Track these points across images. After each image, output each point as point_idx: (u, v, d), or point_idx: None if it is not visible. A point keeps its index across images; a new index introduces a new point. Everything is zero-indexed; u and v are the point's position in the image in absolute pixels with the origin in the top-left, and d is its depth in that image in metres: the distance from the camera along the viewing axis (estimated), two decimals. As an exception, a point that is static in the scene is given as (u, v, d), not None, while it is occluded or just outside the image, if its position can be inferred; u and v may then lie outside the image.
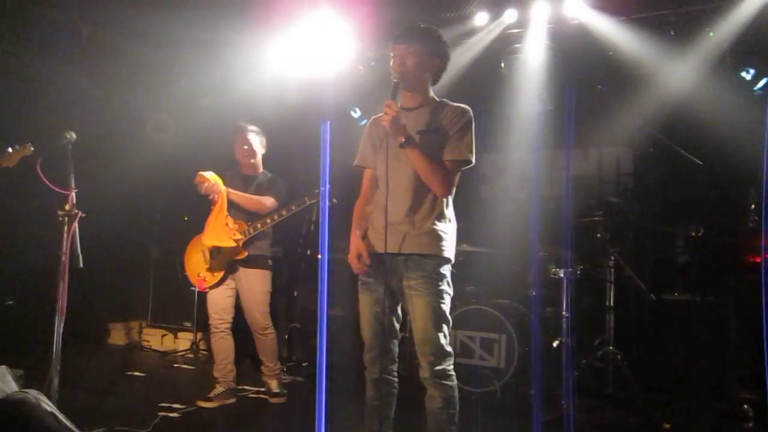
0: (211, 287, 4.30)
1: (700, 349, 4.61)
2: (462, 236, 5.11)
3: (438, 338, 2.78)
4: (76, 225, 3.10)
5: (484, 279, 5.00)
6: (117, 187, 5.42)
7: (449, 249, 2.89)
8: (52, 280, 3.05)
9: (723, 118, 4.55)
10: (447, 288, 2.86)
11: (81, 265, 3.08)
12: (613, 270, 4.76)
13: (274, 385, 4.47)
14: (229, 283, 4.34)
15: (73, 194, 3.19)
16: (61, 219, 3.10)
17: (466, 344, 4.59)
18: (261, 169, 4.53)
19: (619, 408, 4.42)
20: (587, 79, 5.14)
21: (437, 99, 2.99)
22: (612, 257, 4.72)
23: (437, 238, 2.84)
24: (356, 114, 5.92)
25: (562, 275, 4.59)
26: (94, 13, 5.08)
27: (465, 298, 4.85)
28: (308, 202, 4.04)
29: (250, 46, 5.48)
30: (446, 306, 2.84)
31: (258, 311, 4.33)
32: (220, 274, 4.26)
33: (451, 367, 2.84)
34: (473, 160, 2.87)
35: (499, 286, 4.90)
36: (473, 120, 2.90)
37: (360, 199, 3.13)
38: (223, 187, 4.25)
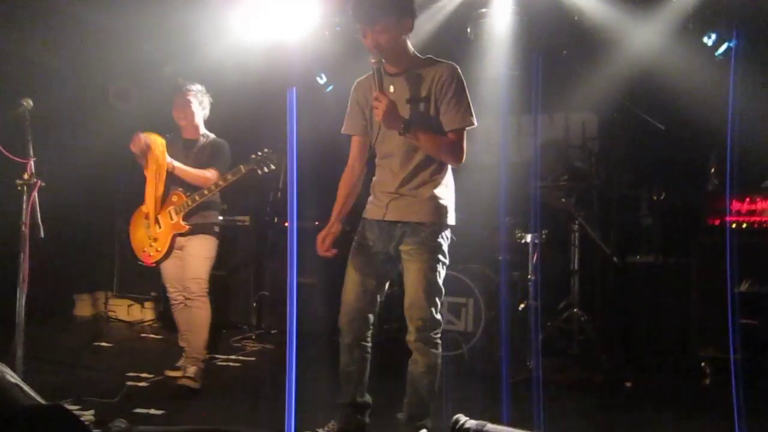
0: (158, 262, 4.08)
1: (662, 310, 4.75)
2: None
3: (426, 306, 2.75)
4: (35, 194, 3.04)
5: (452, 244, 5.02)
6: (80, 157, 5.30)
7: (448, 215, 2.83)
8: (13, 250, 3.00)
9: (686, 82, 4.62)
10: (442, 257, 2.81)
11: (42, 234, 3.03)
12: (577, 234, 4.83)
13: (191, 371, 3.91)
14: (177, 253, 4.08)
15: (32, 163, 3.12)
16: (20, 188, 3.03)
17: (434, 309, 4.64)
18: (201, 131, 4.22)
19: (584, 367, 4.52)
20: (553, 44, 5.15)
21: (420, 56, 2.83)
22: (577, 221, 4.79)
23: (435, 206, 2.79)
24: (322, 80, 5.86)
25: (528, 240, 4.67)
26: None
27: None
28: (243, 170, 3.80)
29: (214, 11, 5.36)
30: (439, 276, 2.80)
31: (190, 275, 4.01)
32: (164, 249, 4.01)
33: (439, 336, 2.82)
34: (476, 122, 2.77)
35: (467, 252, 4.92)
36: (462, 77, 2.77)
37: (347, 171, 3.02)
38: (162, 156, 3.95)
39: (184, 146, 4.17)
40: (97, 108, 6.00)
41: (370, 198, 2.95)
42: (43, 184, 3.08)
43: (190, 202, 3.93)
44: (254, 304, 5.85)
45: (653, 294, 4.83)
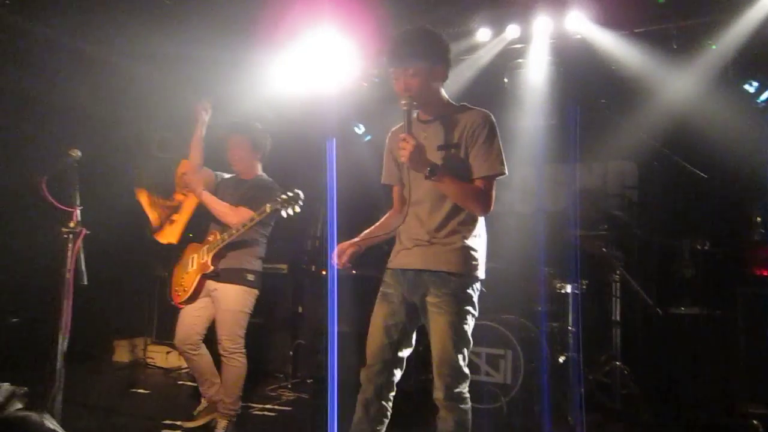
0: (183, 302, 3.93)
1: (707, 364, 4.58)
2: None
3: (456, 359, 2.63)
4: (80, 242, 3.10)
5: (489, 294, 4.95)
6: (122, 205, 5.43)
7: (479, 267, 2.73)
8: (56, 298, 3.05)
9: (727, 130, 4.56)
10: (472, 309, 2.70)
11: (85, 282, 3.08)
12: (618, 284, 4.74)
13: (222, 425, 3.85)
14: (204, 300, 3.95)
15: (78, 212, 3.19)
16: (65, 236, 3.09)
17: (471, 360, 4.54)
18: (257, 173, 4.12)
19: (626, 424, 4.38)
20: (590, 93, 5.15)
21: (454, 104, 2.82)
22: (617, 271, 4.70)
23: (467, 256, 2.69)
24: (360, 130, 5.94)
25: (568, 290, 4.59)
26: (97, 32, 5.11)
27: (470, 313, 4.82)
28: (268, 210, 3.67)
29: (254, 64, 5.51)
30: (469, 327, 2.68)
31: (224, 331, 3.85)
32: (190, 289, 3.89)
33: (467, 389, 2.69)
34: (506, 171, 2.69)
35: (505, 302, 4.87)
36: (495, 124, 2.72)
37: (390, 213, 3.01)
38: (197, 187, 3.91)
39: (235, 184, 4.09)
40: (140, 157, 6.16)
41: (396, 246, 2.86)
42: (88, 232, 3.14)
43: (220, 242, 3.82)
44: (291, 353, 5.83)
45: (698, 347, 4.67)
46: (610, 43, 4.90)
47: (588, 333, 4.59)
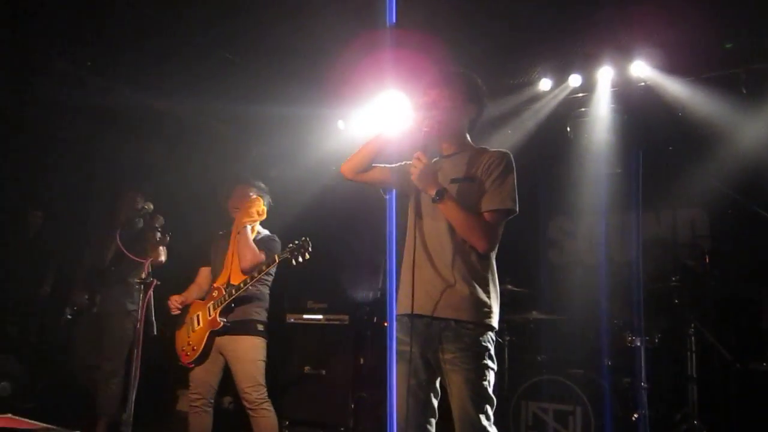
0: (193, 362, 3.82)
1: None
2: (531, 303, 5.05)
3: (479, 420, 2.44)
4: (151, 293, 3.19)
5: (556, 347, 4.83)
6: (190, 256, 5.59)
7: (492, 315, 2.56)
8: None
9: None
10: (490, 362, 2.52)
11: (155, 332, 3.15)
12: (693, 338, 4.52)
13: None
14: (215, 357, 3.85)
15: (149, 263, 3.29)
16: (137, 287, 3.18)
17: (539, 417, 4.41)
18: (256, 228, 4.11)
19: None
20: (657, 139, 5.04)
21: (476, 146, 2.77)
22: (692, 324, 4.49)
23: (479, 303, 2.53)
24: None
25: (638, 343, 4.41)
26: (169, 90, 5.35)
27: (536, 367, 4.69)
28: (278, 260, 3.67)
29: (320, 119, 5.66)
30: (489, 383, 2.50)
31: (246, 383, 3.77)
32: (200, 347, 3.77)
33: None
34: (516, 209, 2.58)
35: (572, 355, 4.72)
36: (513, 164, 2.63)
37: None
38: (243, 217, 3.88)
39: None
40: (208, 209, 6.34)
41: (403, 288, 2.66)
42: (159, 282, 3.22)
43: (227, 296, 3.77)
44: (352, 406, 5.76)
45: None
46: (675, 89, 4.83)
47: (662, 389, 4.38)
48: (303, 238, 3.71)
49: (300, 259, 3.68)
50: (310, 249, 3.68)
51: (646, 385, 4.28)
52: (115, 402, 4.35)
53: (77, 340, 4.65)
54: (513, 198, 2.58)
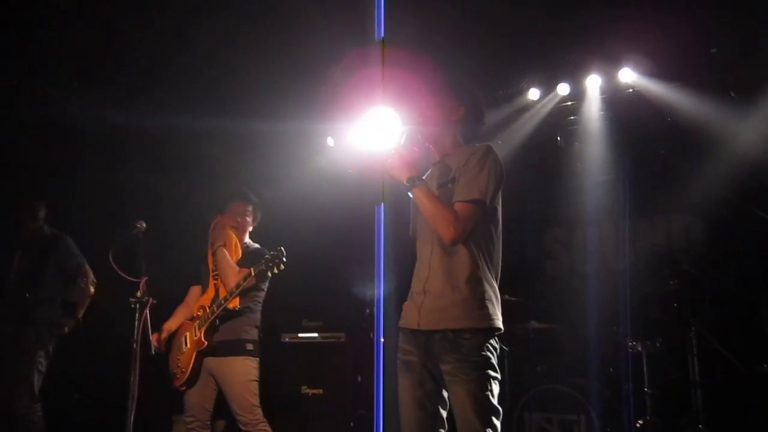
0: (184, 384, 3.72)
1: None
2: (530, 313, 5.02)
3: None
4: (147, 312, 3.13)
5: (556, 357, 4.80)
6: (185, 275, 5.54)
7: (492, 317, 2.42)
8: (123, 368, 3.05)
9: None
10: (492, 372, 2.37)
11: (153, 352, 3.09)
12: (695, 342, 4.49)
13: None
14: (206, 379, 3.73)
15: (144, 282, 3.24)
16: (132, 306, 3.13)
17: (543, 427, 4.36)
18: (246, 240, 4.05)
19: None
20: (648, 145, 5.06)
21: (466, 145, 2.66)
22: (693, 328, 4.47)
23: (474, 305, 2.40)
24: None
25: (640, 349, 4.38)
26: (160, 113, 5.32)
27: (537, 377, 4.65)
28: (254, 273, 3.57)
29: (309, 135, 5.64)
30: (493, 393, 2.36)
31: (239, 405, 3.64)
32: (188, 369, 3.66)
33: None
34: (487, 201, 2.44)
35: (573, 364, 4.69)
36: (493, 156, 2.51)
37: None
38: (217, 240, 3.82)
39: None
40: (200, 229, 6.29)
41: (405, 304, 2.61)
42: (155, 301, 3.16)
43: (209, 315, 3.67)
44: (351, 424, 5.68)
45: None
46: (664, 94, 4.86)
47: (665, 394, 4.34)
48: (278, 248, 3.61)
49: (275, 271, 3.58)
50: (284, 258, 3.58)
51: (650, 391, 4.25)
52: None
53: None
54: (483, 190, 2.44)
